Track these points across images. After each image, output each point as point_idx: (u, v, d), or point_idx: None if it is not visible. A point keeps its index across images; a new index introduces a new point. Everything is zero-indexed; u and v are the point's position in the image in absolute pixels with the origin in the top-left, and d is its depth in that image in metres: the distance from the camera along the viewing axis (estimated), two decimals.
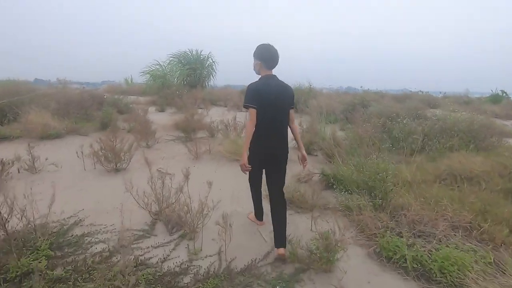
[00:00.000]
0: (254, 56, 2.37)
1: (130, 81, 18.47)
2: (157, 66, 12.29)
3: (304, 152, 2.49)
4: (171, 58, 15.36)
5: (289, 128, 2.48)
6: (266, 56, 2.31)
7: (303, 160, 2.49)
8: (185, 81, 15.90)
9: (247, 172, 2.33)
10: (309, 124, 6.73)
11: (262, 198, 2.81)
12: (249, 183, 2.68)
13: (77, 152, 4.49)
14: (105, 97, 8.40)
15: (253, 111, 2.22)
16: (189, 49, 16.14)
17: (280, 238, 2.32)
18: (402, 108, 7.70)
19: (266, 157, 2.34)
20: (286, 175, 2.50)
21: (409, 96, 17.64)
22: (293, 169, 4.05)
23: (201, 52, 16.45)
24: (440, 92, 23.57)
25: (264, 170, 2.49)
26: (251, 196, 2.77)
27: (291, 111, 2.44)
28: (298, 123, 7.39)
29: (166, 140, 6.37)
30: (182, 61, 15.90)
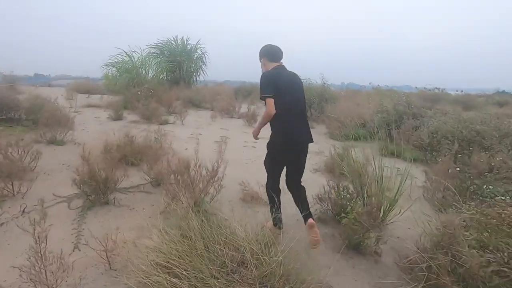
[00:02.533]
0: (259, 57, 2.45)
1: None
2: (125, 57, 9.56)
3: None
4: (150, 49, 12.54)
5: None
6: (269, 51, 2.38)
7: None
8: (166, 77, 13.08)
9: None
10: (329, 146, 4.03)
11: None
12: (267, 185, 2.41)
13: None
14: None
15: (270, 101, 2.14)
16: (173, 37, 13.27)
17: (305, 207, 2.24)
18: (472, 118, 4.75)
19: (290, 146, 2.23)
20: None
21: (437, 97, 14.60)
22: None
23: (187, 41, 13.55)
24: (457, 90, 20.55)
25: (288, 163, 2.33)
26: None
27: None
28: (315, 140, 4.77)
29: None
30: (165, 52, 13.05)
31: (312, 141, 2.32)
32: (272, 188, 2.32)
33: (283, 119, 2.17)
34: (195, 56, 13.91)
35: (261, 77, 2.26)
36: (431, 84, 20.37)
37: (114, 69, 9.42)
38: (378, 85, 20.23)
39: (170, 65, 12.81)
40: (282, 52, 2.37)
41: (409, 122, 4.94)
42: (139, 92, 7.75)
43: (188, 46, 13.59)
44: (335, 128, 6.10)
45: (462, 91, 19.91)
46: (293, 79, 2.32)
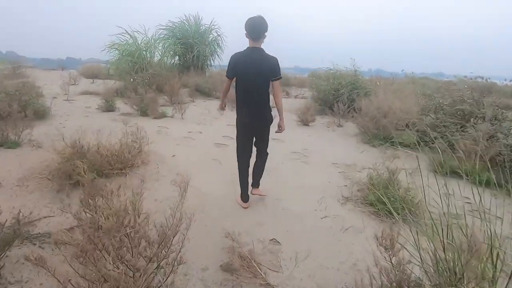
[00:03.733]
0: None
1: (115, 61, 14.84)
2: (128, 39, 8.53)
3: (282, 123, 2.55)
4: (162, 30, 11.47)
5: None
6: (248, 28, 2.30)
7: (281, 129, 2.60)
8: (179, 61, 12.03)
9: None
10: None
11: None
12: (236, 155, 2.65)
13: None
14: None
15: (227, 81, 2.50)
16: (185, 16, 12.07)
17: (256, 180, 2.70)
18: None
19: (246, 124, 2.48)
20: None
21: (488, 87, 12.42)
22: None
23: (200, 20, 12.30)
24: (505, 79, 17.75)
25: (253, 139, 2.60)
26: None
27: (275, 83, 2.41)
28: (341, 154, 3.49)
29: None
30: (178, 34, 11.93)
31: (267, 124, 2.53)
32: (240, 162, 2.63)
33: (239, 101, 2.46)
34: (210, 38, 12.68)
35: (231, 57, 2.41)
36: (472, 72, 17.74)
37: (116, 52, 8.47)
38: (412, 72, 17.95)
39: (181, 48, 11.72)
40: (262, 29, 2.28)
41: (479, 127, 3.50)
42: (132, 80, 6.71)
43: (201, 27, 12.36)
44: (370, 129, 4.75)
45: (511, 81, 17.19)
46: (259, 64, 2.32)
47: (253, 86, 2.35)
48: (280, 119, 2.53)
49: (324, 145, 4.59)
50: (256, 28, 2.25)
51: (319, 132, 5.41)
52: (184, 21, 12.17)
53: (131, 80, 6.88)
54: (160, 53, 9.24)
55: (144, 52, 8.64)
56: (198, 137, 4.70)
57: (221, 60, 13.36)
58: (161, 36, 11.36)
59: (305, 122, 5.79)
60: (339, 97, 6.44)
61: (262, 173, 2.72)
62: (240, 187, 2.62)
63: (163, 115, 5.77)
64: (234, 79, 2.42)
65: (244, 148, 2.60)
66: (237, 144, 2.63)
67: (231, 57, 2.39)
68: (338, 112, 5.87)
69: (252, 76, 2.31)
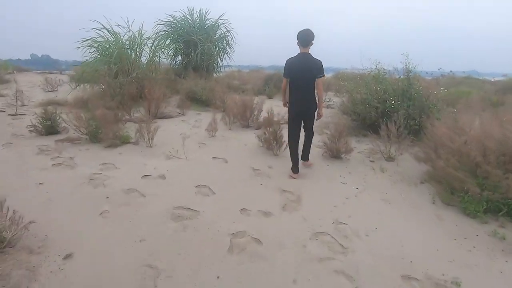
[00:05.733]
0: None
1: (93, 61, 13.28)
2: (106, 34, 6.82)
3: (321, 110, 3.23)
4: (160, 26, 9.82)
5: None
6: (299, 37, 2.97)
7: (319, 116, 3.25)
8: (182, 62, 10.37)
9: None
10: None
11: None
12: (288, 138, 3.31)
13: None
14: None
15: (284, 80, 3.15)
16: (188, 9, 10.33)
17: (305, 155, 3.44)
18: None
19: (299, 111, 3.14)
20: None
21: None
22: None
23: (207, 13, 10.50)
24: None
25: (302, 123, 3.25)
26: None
27: (318, 80, 3.01)
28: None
29: None
30: (179, 30, 10.22)
31: (313, 111, 3.17)
32: (290, 141, 3.27)
33: (292, 96, 3.10)
34: (218, 34, 10.85)
35: (286, 61, 3.11)
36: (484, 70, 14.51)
37: (93, 49, 6.85)
38: (451, 71, 15.01)
39: (183, 47, 10.02)
40: (310, 37, 2.95)
41: None
42: (103, 87, 4.96)
43: (207, 22, 10.55)
44: (453, 175, 2.59)
45: None
46: (308, 65, 2.96)
47: (304, 83, 3.01)
48: (319, 107, 3.17)
49: (374, 212, 2.52)
50: (305, 38, 2.95)
51: (359, 175, 3.31)
52: (187, 16, 10.44)
53: (102, 87, 5.13)
54: (150, 52, 7.46)
55: (128, 51, 6.92)
56: (155, 188, 2.79)
57: (232, 60, 11.50)
58: (161, 33, 9.76)
59: (335, 153, 3.72)
60: (388, 112, 4.29)
61: (309, 149, 3.42)
62: (292, 161, 3.22)
63: (123, 141, 3.95)
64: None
65: (294, 132, 3.22)
66: (288, 128, 3.26)
67: (286, 62, 3.09)
68: (389, 136, 3.73)
69: (303, 76, 2.99)
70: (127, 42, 7.04)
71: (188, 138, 4.44)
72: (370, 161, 3.73)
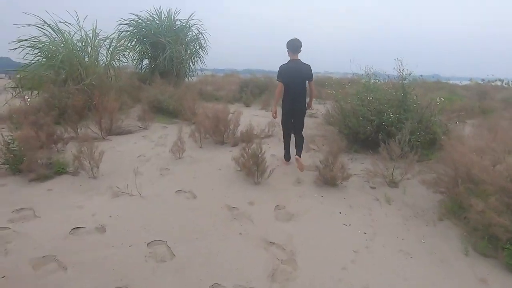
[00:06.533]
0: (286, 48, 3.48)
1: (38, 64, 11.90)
2: (51, 32, 5.72)
3: (310, 102, 3.75)
4: (123, 26, 8.78)
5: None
6: (289, 45, 3.37)
7: (309, 106, 3.70)
8: (149, 66, 9.44)
9: (276, 118, 3.64)
10: None
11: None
12: (282, 131, 3.78)
13: None
14: None
15: (279, 84, 3.42)
16: (155, 9, 9.39)
17: (299, 150, 3.46)
18: None
19: (290, 111, 3.51)
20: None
21: None
22: None
23: (176, 14, 9.62)
24: None
25: (292, 120, 3.58)
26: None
27: (311, 83, 3.53)
28: None
29: None
30: (144, 31, 9.21)
31: (303, 111, 3.53)
32: (284, 136, 3.73)
33: (286, 96, 3.45)
34: (189, 36, 9.97)
35: (279, 67, 3.45)
36: (493, 74, 15.21)
37: (36, 51, 5.72)
38: (421, 75, 15.22)
39: (150, 49, 9.10)
40: (299, 45, 3.36)
41: None
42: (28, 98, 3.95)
43: (176, 23, 9.64)
44: (493, 220, 2.00)
45: None
46: (300, 70, 3.38)
47: (296, 86, 3.38)
48: (309, 101, 3.72)
49: (395, 275, 1.84)
50: (295, 46, 3.36)
51: (362, 210, 2.65)
52: (154, 16, 9.46)
53: (28, 99, 4.10)
54: (107, 55, 6.43)
55: (78, 53, 5.87)
56: (87, 251, 1.91)
57: (204, 65, 10.64)
58: (124, 34, 8.73)
59: (328, 180, 3.04)
60: (385, 126, 3.72)
61: (302, 146, 3.53)
62: (284, 150, 3.78)
63: (58, 170, 3.00)
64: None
65: (287, 127, 3.64)
66: (282, 125, 3.67)
67: (280, 67, 3.44)
68: (391, 156, 3.13)
69: (297, 79, 3.37)
70: (79, 44, 5.99)
71: (148, 162, 3.57)
72: (371, 187, 3.10)
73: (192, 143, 4.25)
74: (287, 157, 3.78)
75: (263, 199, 2.75)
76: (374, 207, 2.69)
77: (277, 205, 2.65)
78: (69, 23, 5.84)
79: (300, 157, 3.41)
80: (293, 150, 3.60)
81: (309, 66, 3.42)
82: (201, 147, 4.22)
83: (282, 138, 3.81)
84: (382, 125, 3.80)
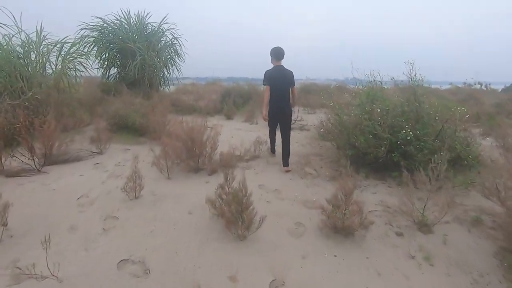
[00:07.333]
0: (270, 55, 3.69)
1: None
2: None
3: (294, 104, 3.79)
4: (86, 30, 7.72)
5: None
6: (273, 53, 3.60)
7: (291, 106, 3.72)
8: (118, 75, 8.44)
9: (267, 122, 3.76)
10: None
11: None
12: (268, 128, 3.97)
13: None
14: None
15: (266, 87, 3.55)
16: (122, 12, 8.39)
17: (285, 161, 3.60)
18: None
19: (276, 113, 3.61)
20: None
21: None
22: None
23: (147, 17, 8.66)
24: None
25: (278, 123, 3.73)
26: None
27: (293, 89, 3.66)
28: None
29: None
30: (110, 36, 8.18)
31: (288, 114, 3.62)
32: (270, 134, 4.00)
33: (272, 100, 3.55)
34: (162, 42, 9.02)
35: (265, 72, 3.63)
36: (473, 78, 15.32)
37: None
38: (402, 81, 15.06)
39: (117, 56, 8.10)
40: (283, 52, 3.59)
41: None
42: None
43: (148, 27, 8.68)
44: None
45: None
46: (284, 75, 3.57)
47: (281, 90, 3.54)
48: (292, 103, 3.74)
49: None
50: (279, 53, 3.57)
51: (396, 279, 1.83)
52: (122, 20, 8.45)
53: None
54: (56, 63, 5.36)
55: (22, 61, 4.79)
56: None
57: (180, 73, 9.69)
58: (90, 39, 7.70)
59: (339, 228, 2.19)
60: (401, 145, 2.95)
61: (289, 155, 3.64)
62: (270, 146, 4.10)
63: None
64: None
65: (273, 128, 3.90)
66: (269, 127, 3.90)
67: (266, 73, 3.60)
68: (416, 185, 2.33)
69: (280, 84, 3.53)
70: (20, 49, 4.91)
71: (91, 207, 2.58)
72: (397, 234, 2.28)
73: (156, 173, 3.30)
74: (272, 150, 4.11)
75: (250, 268, 1.85)
76: (411, 272, 1.85)
77: (273, 280, 1.76)
78: (4, 24, 4.76)
79: (288, 164, 3.60)
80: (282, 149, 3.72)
81: (292, 72, 3.63)
82: (168, 178, 3.27)
83: (269, 136, 4.08)
84: (396, 143, 3.03)
